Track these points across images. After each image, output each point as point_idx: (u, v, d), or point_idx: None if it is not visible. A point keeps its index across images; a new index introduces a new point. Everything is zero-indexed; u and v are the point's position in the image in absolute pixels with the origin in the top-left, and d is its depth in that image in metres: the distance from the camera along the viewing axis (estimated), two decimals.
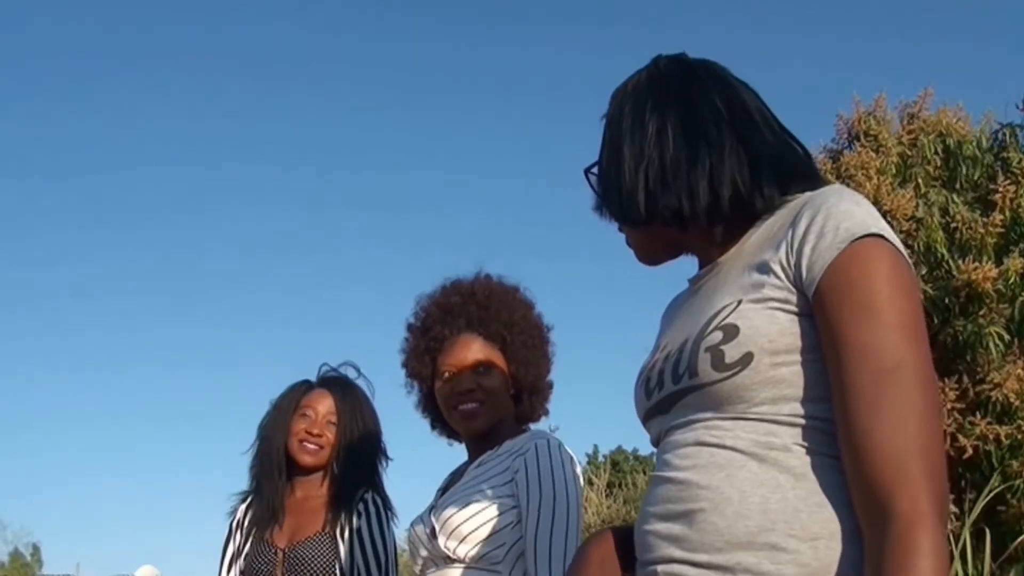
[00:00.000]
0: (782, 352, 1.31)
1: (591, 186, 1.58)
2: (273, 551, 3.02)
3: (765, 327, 1.31)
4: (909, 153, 9.67)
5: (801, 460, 1.29)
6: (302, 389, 3.24)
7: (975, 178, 9.45)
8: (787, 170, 1.45)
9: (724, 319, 1.34)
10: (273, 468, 3.13)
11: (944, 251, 8.68)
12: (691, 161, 1.42)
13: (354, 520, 3.07)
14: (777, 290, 1.33)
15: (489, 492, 2.42)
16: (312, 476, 3.17)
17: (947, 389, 8.42)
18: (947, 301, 8.61)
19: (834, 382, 1.27)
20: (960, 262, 8.51)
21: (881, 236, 1.30)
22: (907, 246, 8.73)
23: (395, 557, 3.13)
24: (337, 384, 3.25)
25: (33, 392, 48.29)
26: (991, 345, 8.37)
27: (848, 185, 9.24)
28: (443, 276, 2.76)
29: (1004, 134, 9.79)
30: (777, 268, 1.34)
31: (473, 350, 2.55)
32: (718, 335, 1.33)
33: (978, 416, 8.41)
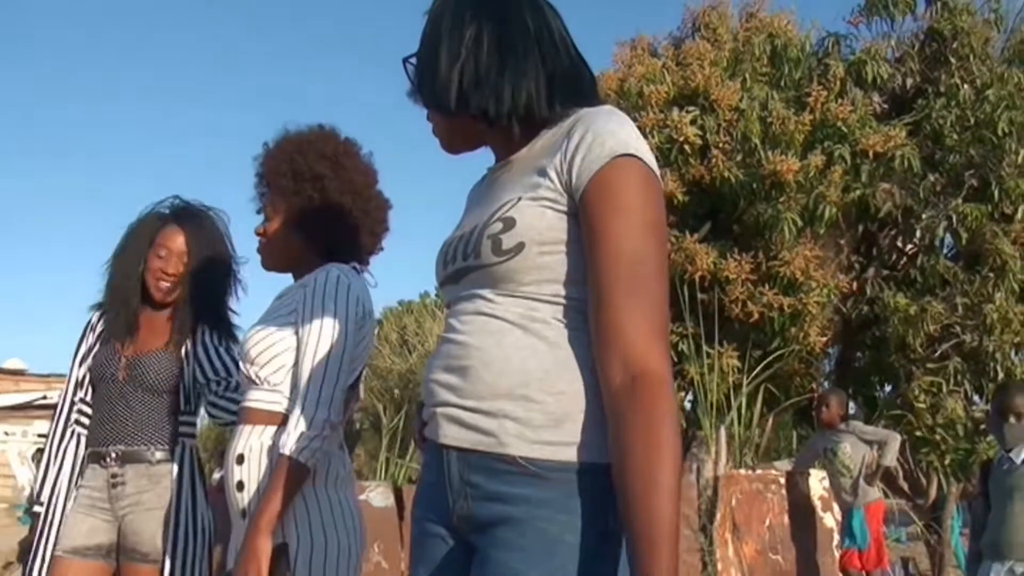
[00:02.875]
0: (548, 243, 1.49)
1: (407, 75, 1.69)
2: (118, 357, 3.23)
3: (536, 222, 1.49)
4: (742, 49, 10.47)
5: (556, 331, 1.49)
6: (157, 223, 3.33)
7: (796, 79, 10.33)
8: (575, 89, 1.62)
9: (505, 212, 1.51)
10: (128, 292, 3.28)
11: (758, 141, 9.52)
12: (500, 69, 1.57)
13: (197, 341, 3.28)
14: (550, 191, 1.50)
15: (279, 320, 2.55)
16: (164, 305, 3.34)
17: (743, 262, 9.47)
18: (754, 186, 9.56)
19: (591, 269, 1.45)
20: (770, 153, 9.40)
21: (636, 155, 1.48)
22: (727, 133, 9.71)
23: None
24: (191, 218, 3.36)
25: None
26: (786, 228, 9.36)
27: (684, 71, 10.12)
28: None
29: (828, 43, 10.76)
30: (552, 173, 1.51)
31: (264, 203, 2.74)
32: (499, 225, 1.50)
33: (767, 287, 9.49)
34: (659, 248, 1.46)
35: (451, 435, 1.51)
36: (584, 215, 1.46)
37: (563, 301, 1.49)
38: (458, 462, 1.51)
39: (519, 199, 1.52)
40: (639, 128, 8.59)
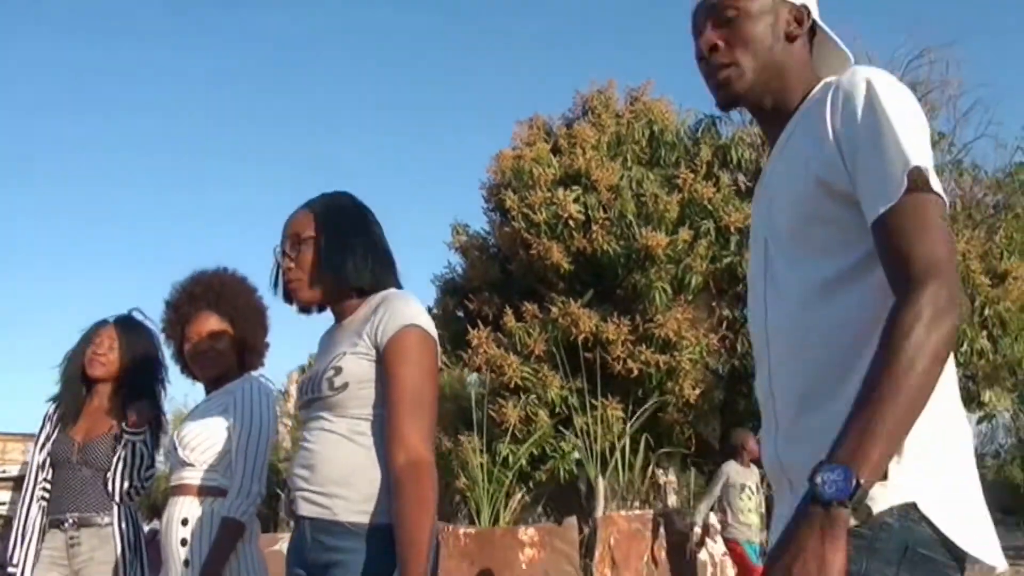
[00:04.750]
0: (364, 381, 2.09)
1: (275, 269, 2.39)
2: (72, 442, 3.69)
3: (355, 367, 2.09)
4: (624, 133, 11.56)
5: (369, 440, 2.07)
6: (97, 327, 3.90)
7: (672, 160, 11.41)
8: (385, 277, 2.28)
9: (336, 362, 2.11)
10: (74, 381, 3.81)
11: (632, 218, 10.56)
12: (340, 268, 2.22)
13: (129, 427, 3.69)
14: (364, 348, 2.10)
15: (213, 417, 3.18)
16: (102, 387, 3.82)
17: (622, 325, 10.41)
18: (630, 258, 10.56)
19: (389, 397, 2.05)
20: (643, 229, 10.42)
21: (419, 325, 2.10)
22: (605, 210, 10.76)
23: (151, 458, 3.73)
24: (125, 321, 3.93)
25: None
26: (658, 296, 10.40)
27: (572, 152, 11.02)
28: (193, 269, 3.47)
29: (703, 125, 11.92)
30: (365, 336, 2.12)
31: (210, 323, 3.32)
32: (332, 371, 2.10)
33: (644, 347, 10.42)
34: (432, 384, 2.12)
35: (304, 509, 2.14)
36: (384, 363, 2.11)
37: (373, 418, 2.12)
38: (309, 527, 2.13)
39: (345, 353, 2.15)
40: (529, 205, 9.77)
